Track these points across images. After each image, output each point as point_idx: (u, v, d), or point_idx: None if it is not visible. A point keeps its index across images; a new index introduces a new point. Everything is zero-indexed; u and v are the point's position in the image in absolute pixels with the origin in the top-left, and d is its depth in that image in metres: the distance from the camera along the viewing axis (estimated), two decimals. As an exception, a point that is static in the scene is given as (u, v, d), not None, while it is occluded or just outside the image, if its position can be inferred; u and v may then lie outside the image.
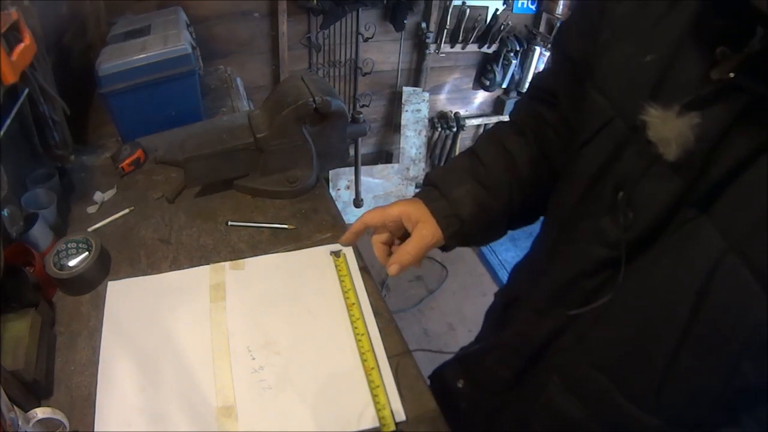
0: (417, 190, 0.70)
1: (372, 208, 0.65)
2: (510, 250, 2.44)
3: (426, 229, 0.63)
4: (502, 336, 0.67)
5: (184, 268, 0.82)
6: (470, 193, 0.63)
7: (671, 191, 0.41)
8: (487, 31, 2.25)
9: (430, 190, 0.66)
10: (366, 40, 2.13)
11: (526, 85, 2.48)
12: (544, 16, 2.33)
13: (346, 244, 0.70)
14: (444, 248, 0.67)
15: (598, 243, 0.48)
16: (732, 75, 0.35)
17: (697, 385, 0.42)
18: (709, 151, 0.37)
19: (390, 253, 0.70)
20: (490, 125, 2.71)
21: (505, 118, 2.65)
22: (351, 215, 2.49)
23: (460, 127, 2.57)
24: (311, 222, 0.92)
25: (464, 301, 2.19)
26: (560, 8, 2.25)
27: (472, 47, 2.32)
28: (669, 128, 0.38)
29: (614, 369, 0.49)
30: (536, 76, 0.72)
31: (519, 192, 0.65)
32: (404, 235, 0.67)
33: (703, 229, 0.39)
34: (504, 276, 2.25)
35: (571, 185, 0.55)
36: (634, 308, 0.45)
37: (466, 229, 0.63)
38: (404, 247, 0.63)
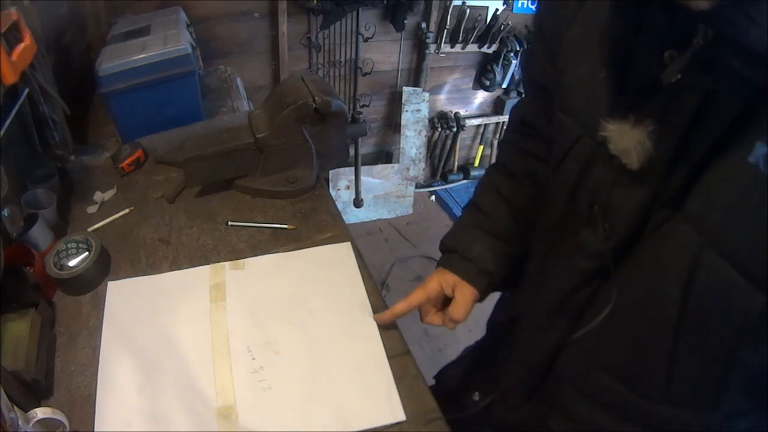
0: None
1: (411, 293, 0.70)
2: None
3: (465, 291, 0.68)
4: (512, 352, 0.69)
5: (184, 268, 0.82)
6: (487, 246, 0.68)
7: (640, 197, 0.42)
8: (487, 31, 2.25)
9: (450, 256, 0.71)
10: (366, 40, 2.13)
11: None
12: (544, 16, 2.33)
13: (383, 323, 0.73)
14: (480, 300, 0.71)
15: (582, 256, 0.49)
16: (679, 76, 0.36)
17: (700, 373, 0.43)
18: (672, 152, 0.39)
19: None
20: (490, 125, 2.71)
21: (505, 118, 2.65)
22: (351, 215, 2.49)
23: (460, 127, 2.57)
24: (311, 222, 0.92)
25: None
26: (560, 8, 2.25)
27: (472, 47, 2.32)
28: (627, 139, 0.40)
29: (622, 371, 0.50)
30: (513, 109, 0.74)
31: (528, 229, 0.68)
32: (445, 300, 0.72)
33: (678, 227, 0.40)
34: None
35: (550, 205, 0.57)
36: (629, 313, 0.47)
37: (496, 279, 0.68)
38: (453, 310, 0.68)
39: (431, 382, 0.82)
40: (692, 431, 0.48)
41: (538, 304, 0.60)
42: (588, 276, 0.50)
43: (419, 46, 2.30)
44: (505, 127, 2.64)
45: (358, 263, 0.84)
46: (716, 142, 0.36)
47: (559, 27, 0.52)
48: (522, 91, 2.55)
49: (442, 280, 0.69)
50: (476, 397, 0.78)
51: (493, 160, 0.80)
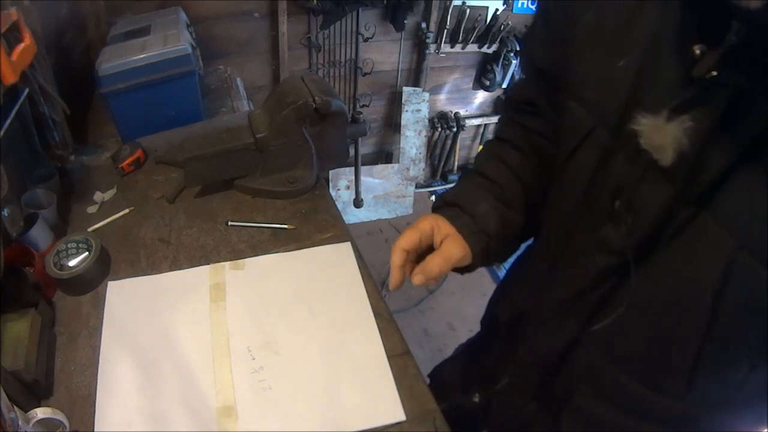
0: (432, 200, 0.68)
1: (401, 235, 0.61)
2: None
3: (454, 246, 0.60)
4: (518, 353, 0.67)
5: (184, 268, 0.82)
6: (493, 208, 0.62)
7: (668, 194, 0.41)
8: (487, 31, 2.25)
9: (449, 208, 0.64)
10: (366, 40, 2.13)
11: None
12: (544, 16, 2.33)
13: (397, 288, 0.61)
14: (464, 269, 0.63)
15: (601, 252, 0.48)
16: (714, 73, 0.35)
17: (725, 371, 0.43)
18: (699, 150, 0.37)
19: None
20: (491, 125, 2.71)
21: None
22: (351, 215, 2.49)
23: (460, 127, 2.57)
24: (311, 222, 0.92)
25: (464, 301, 2.19)
26: (560, 8, 2.25)
27: (472, 47, 2.32)
28: (662, 135, 0.38)
29: (642, 370, 0.50)
30: (511, 89, 0.73)
31: (532, 204, 0.65)
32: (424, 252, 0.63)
33: (710, 229, 0.39)
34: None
35: (562, 199, 0.55)
36: (652, 312, 0.46)
37: (491, 245, 0.61)
38: (432, 259, 0.59)
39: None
40: (708, 430, 0.48)
41: (549, 301, 0.59)
42: (606, 273, 0.49)
43: (419, 46, 2.30)
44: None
45: (358, 263, 0.84)
46: (748, 142, 0.35)
47: (572, 14, 0.50)
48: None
49: (436, 225, 0.61)
50: (476, 398, 0.77)
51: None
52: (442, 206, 0.65)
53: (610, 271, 0.48)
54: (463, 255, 0.59)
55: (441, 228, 0.61)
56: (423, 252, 0.61)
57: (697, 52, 0.35)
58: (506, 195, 0.63)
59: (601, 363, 0.54)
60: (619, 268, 0.47)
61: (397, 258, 0.59)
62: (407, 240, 0.60)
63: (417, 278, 0.59)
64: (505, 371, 0.70)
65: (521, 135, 0.67)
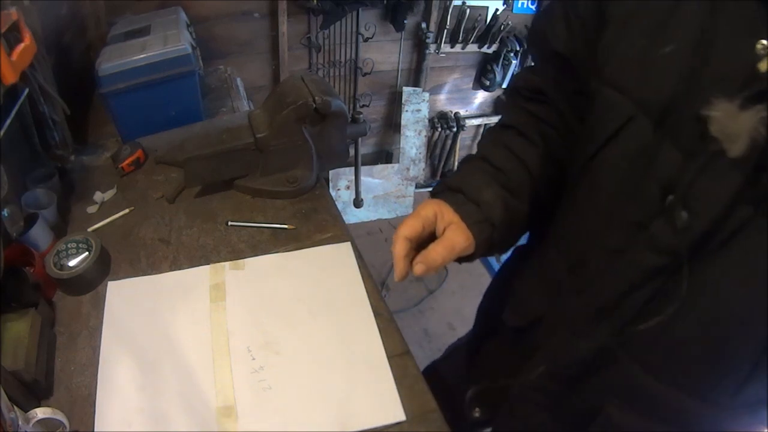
0: (431, 190, 0.64)
1: (403, 222, 0.57)
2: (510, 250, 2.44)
3: (458, 235, 0.56)
4: (531, 362, 0.62)
5: (184, 268, 0.82)
6: (498, 196, 0.58)
7: (733, 188, 0.38)
8: (487, 31, 2.25)
9: (454, 194, 0.60)
10: (366, 40, 2.13)
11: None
12: (544, 16, 2.33)
13: (403, 279, 0.58)
14: (465, 259, 0.60)
15: (651, 250, 0.44)
16: None
17: None
18: (765, 145, 0.35)
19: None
20: (490, 125, 2.71)
21: (505, 118, 2.65)
22: (351, 215, 2.49)
23: (460, 127, 2.57)
24: (311, 222, 0.92)
25: (464, 301, 2.19)
26: (560, 8, 2.25)
27: (472, 47, 2.32)
28: (737, 123, 0.36)
29: (689, 379, 0.47)
30: (516, 77, 0.69)
31: (535, 194, 0.61)
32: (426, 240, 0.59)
33: None
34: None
35: (592, 194, 0.52)
36: (705, 318, 0.43)
37: (495, 235, 0.58)
38: (435, 248, 0.55)
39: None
40: (732, 429, 0.46)
41: (576, 306, 0.54)
42: (653, 273, 0.45)
43: (419, 46, 2.30)
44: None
45: (358, 263, 0.84)
46: None
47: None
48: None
49: (439, 212, 0.57)
50: (477, 413, 0.74)
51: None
52: (444, 191, 0.61)
53: (657, 271, 0.44)
54: (467, 245, 0.56)
55: (444, 215, 0.57)
56: (425, 240, 0.57)
57: (761, 46, 0.35)
58: (511, 183, 0.60)
59: (638, 373, 0.50)
60: (668, 268, 0.43)
61: (399, 248, 0.55)
62: (409, 228, 0.56)
63: (418, 268, 0.55)
64: (511, 381, 0.66)
65: (527, 122, 0.64)
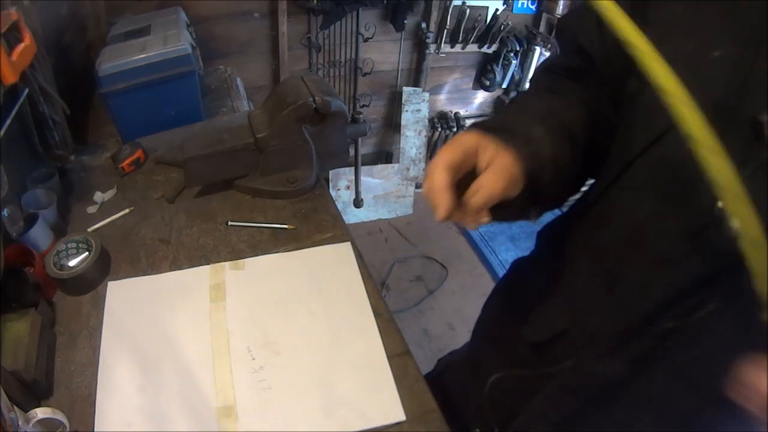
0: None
1: (440, 152, 0.47)
2: (510, 250, 2.44)
3: (507, 159, 0.46)
4: (553, 379, 0.59)
5: (184, 268, 0.82)
6: (547, 134, 0.51)
7: None
8: (487, 31, 2.25)
9: (495, 134, 0.50)
10: (366, 40, 2.13)
11: (527, 85, 2.48)
12: (544, 16, 2.33)
13: (446, 217, 0.46)
14: (504, 213, 0.50)
15: (702, 258, 0.43)
16: None
17: None
18: None
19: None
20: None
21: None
22: (351, 215, 2.48)
23: (460, 127, 2.57)
24: (311, 222, 0.92)
25: (464, 301, 2.19)
26: (560, 8, 2.25)
27: (472, 47, 2.32)
28: None
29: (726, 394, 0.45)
30: (548, 59, 0.65)
31: (581, 149, 0.54)
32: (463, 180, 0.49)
33: None
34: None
35: (638, 203, 0.49)
36: (745, 326, 0.41)
37: (544, 176, 0.50)
38: (487, 176, 0.46)
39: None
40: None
41: (614, 317, 0.51)
42: (699, 281, 0.43)
43: (419, 46, 2.30)
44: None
45: (358, 263, 0.84)
46: None
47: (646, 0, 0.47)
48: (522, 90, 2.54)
49: (481, 141, 0.47)
50: None
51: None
52: (483, 130, 0.50)
53: (705, 279, 0.43)
54: (518, 176, 0.47)
55: (488, 147, 0.47)
56: (462, 180, 0.47)
57: None
58: (558, 127, 0.52)
59: (677, 387, 0.48)
60: (714, 276, 0.42)
61: (440, 178, 0.45)
62: (450, 155, 0.46)
63: (478, 197, 0.45)
64: (528, 398, 0.63)
65: (567, 88, 0.58)
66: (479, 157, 0.47)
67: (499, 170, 0.45)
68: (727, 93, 0.40)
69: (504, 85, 2.49)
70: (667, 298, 0.45)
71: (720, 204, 0.37)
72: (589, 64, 0.56)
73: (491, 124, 0.51)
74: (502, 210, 0.49)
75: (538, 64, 2.37)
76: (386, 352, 0.71)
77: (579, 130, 0.54)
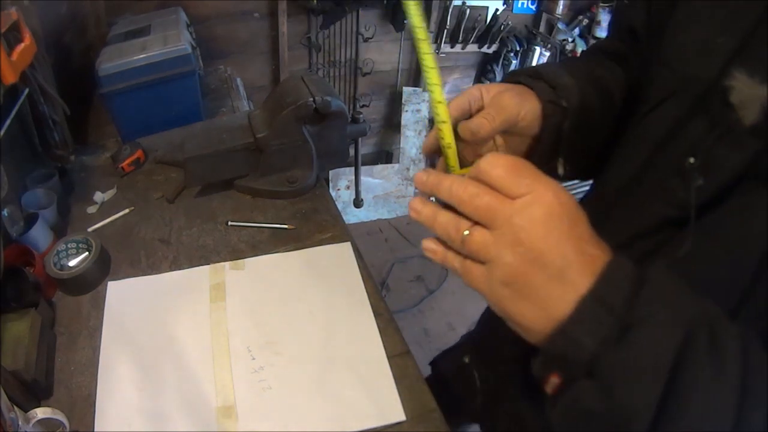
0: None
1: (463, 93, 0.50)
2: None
3: (510, 96, 0.49)
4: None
5: (184, 268, 0.82)
6: (577, 84, 0.53)
7: (744, 157, 0.41)
8: (487, 31, 2.25)
9: (522, 76, 0.54)
10: (366, 40, 2.13)
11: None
12: (544, 16, 2.33)
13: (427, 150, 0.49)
14: (534, 153, 0.53)
15: (665, 201, 0.48)
16: None
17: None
18: None
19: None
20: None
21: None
22: (351, 215, 2.49)
23: (460, 127, 2.57)
24: (311, 222, 0.92)
25: (464, 301, 2.19)
26: (560, 8, 2.25)
27: (472, 47, 2.32)
28: (752, 93, 0.40)
29: None
30: (599, 40, 0.71)
31: (607, 113, 0.57)
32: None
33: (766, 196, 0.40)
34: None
35: (632, 152, 0.54)
36: (699, 269, 0.45)
37: (567, 125, 0.52)
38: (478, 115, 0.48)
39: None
40: None
41: None
42: (663, 222, 0.48)
43: (419, 46, 2.30)
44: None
45: (358, 263, 0.84)
46: None
47: None
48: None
49: (484, 88, 0.50)
50: (477, 384, 0.75)
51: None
52: (509, 79, 0.54)
53: (669, 221, 0.48)
54: (520, 108, 0.49)
55: (490, 88, 0.50)
56: None
57: None
58: (599, 78, 0.56)
59: None
60: (677, 221, 0.46)
61: (463, 98, 0.49)
62: (455, 105, 0.48)
63: (463, 127, 0.47)
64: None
65: (609, 65, 0.62)
66: (483, 97, 0.50)
67: (493, 106, 0.48)
68: (718, 73, 0.44)
69: (504, 85, 2.49)
70: (634, 233, 0.50)
71: (691, 160, 0.44)
72: (635, 46, 0.60)
73: (524, 71, 0.54)
74: (530, 159, 0.49)
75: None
76: (386, 352, 0.71)
77: (613, 90, 0.57)
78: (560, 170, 0.56)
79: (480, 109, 0.49)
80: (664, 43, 0.53)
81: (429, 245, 0.40)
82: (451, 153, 0.44)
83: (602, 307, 0.32)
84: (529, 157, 0.52)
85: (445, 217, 0.37)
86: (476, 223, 0.35)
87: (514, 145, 0.53)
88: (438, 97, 0.42)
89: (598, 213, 0.58)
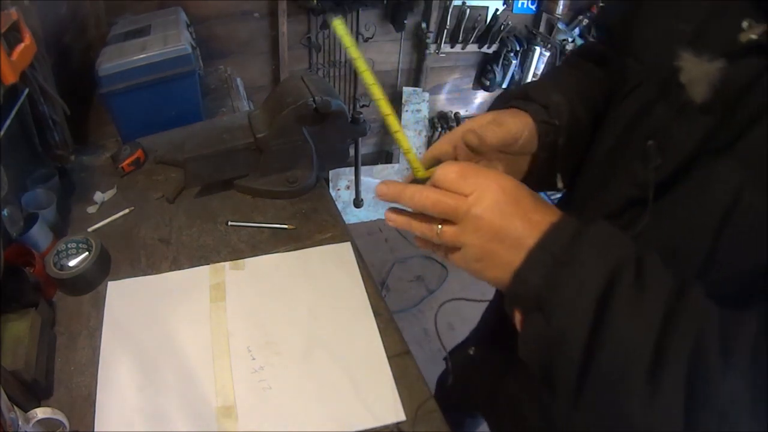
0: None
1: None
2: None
3: (509, 116, 0.53)
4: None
5: (184, 268, 0.82)
6: (566, 100, 0.56)
7: (698, 134, 0.43)
8: (487, 31, 2.25)
9: (514, 100, 0.57)
10: (366, 40, 2.13)
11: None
12: (544, 16, 2.33)
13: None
14: (532, 182, 0.55)
15: (629, 184, 0.50)
16: (755, 36, 0.38)
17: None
18: (735, 98, 0.40)
19: None
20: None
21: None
22: (351, 215, 2.48)
23: (460, 127, 2.57)
24: (311, 222, 0.92)
25: (464, 301, 2.19)
26: (560, 8, 2.25)
27: (472, 47, 2.32)
28: (700, 71, 0.42)
29: None
30: (576, 48, 0.73)
31: (596, 120, 0.60)
32: None
33: (723, 168, 0.41)
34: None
35: (605, 140, 0.57)
36: (661, 242, 0.47)
37: (561, 140, 0.56)
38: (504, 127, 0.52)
39: (431, 382, 0.82)
40: None
41: None
42: (628, 203, 0.50)
43: (419, 46, 2.30)
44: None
45: (358, 263, 0.84)
46: None
47: None
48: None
49: (497, 114, 0.54)
50: (471, 351, 0.78)
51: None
52: (505, 102, 0.58)
53: (633, 202, 0.50)
54: (519, 127, 0.53)
55: (502, 113, 0.54)
56: None
57: (746, 24, 0.39)
58: (584, 90, 0.59)
59: None
60: (642, 201, 0.48)
61: (463, 131, 0.51)
62: (436, 149, 0.53)
63: (470, 136, 0.49)
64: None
65: (589, 68, 0.65)
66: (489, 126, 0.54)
67: (495, 123, 0.52)
68: (672, 56, 0.46)
69: (504, 85, 2.49)
70: (604, 214, 0.52)
71: (651, 142, 0.47)
72: (613, 44, 0.62)
73: (514, 92, 0.59)
74: (529, 177, 0.57)
75: (535, 71, 2.38)
76: (386, 352, 0.71)
77: (597, 96, 0.61)
78: (559, 185, 0.60)
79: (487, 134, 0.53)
80: (633, 36, 0.55)
81: (390, 215, 0.48)
82: (411, 157, 0.49)
83: (545, 253, 0.39)
84: (528, 176, 0.58)
85: (418, 221, 0.45)
86: (444, 220, 0.43)
87: (513, 164, 0.57)
88: (386, 110, 0.50)
89: (580, 199, 0.61)
